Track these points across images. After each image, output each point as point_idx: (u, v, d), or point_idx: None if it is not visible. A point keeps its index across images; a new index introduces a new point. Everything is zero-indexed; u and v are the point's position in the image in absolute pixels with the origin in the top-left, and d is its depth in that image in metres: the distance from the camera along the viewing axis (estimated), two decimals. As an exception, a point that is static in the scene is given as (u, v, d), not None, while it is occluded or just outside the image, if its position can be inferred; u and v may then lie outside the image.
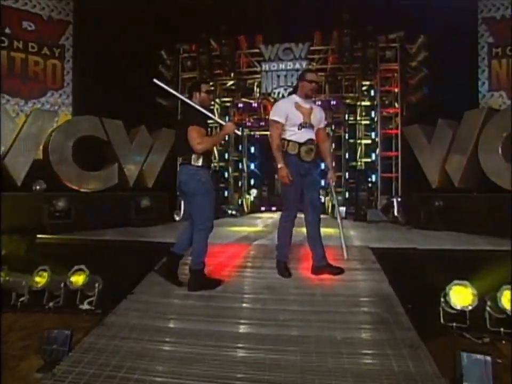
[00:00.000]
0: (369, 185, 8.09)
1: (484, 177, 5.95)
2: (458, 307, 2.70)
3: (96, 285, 3.31)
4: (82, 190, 6.60)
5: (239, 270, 3.58)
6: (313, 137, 3.39)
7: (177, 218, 7.90)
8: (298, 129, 3.30)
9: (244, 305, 2.91)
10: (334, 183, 3.61)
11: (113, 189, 6.94)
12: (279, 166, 3.26)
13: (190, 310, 2.82)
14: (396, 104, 8.50)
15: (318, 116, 3.46)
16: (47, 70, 9.70)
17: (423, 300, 2.93)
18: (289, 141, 3.36)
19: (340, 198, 9.13)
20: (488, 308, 2.72)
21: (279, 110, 3.39)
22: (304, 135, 3.32)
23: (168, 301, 2.97)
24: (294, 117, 3.30)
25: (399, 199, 7.66)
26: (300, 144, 3.31)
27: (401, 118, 8.14)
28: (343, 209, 8.27)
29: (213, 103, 9.48)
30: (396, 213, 7.55)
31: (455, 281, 2.77)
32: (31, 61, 9.42)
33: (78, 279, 3.25)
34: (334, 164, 3.65)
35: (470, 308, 2.68)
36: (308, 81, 3.31)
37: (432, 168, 6.97)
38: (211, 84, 3.57)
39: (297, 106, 3.35)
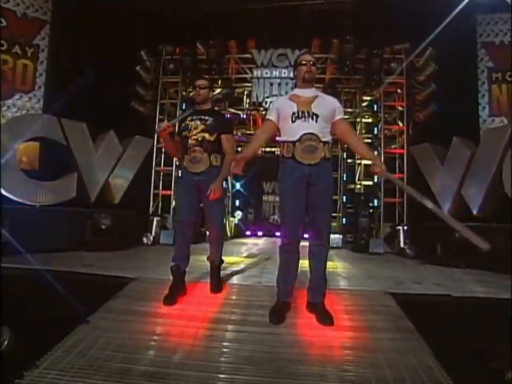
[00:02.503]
0: (371, 210, 7.08)
1: (508, 204, 5.04)
2: None
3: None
4: (29, 203, 5.38)
5: (209, 327, 2.42)
6: (318, 130, 2.39)
7: (146, 242, 6.70)
8: (292, 121, 2.40)
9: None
10: (385, 171, 2.59)
11: (68, 203, 5.74)
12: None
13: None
14: (400, 122, 7.66)
15: (326, 104, 2.49)
16: (16, 70, 8.68)
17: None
18: (283, 142, 2.47)
19: (334, 224, 8.11)
20: None
21: (271, 106, 2.63)
22: (299, 129, 2.39)
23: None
24: (285, 108, 2.47)
25: (405, 228, 6.65)
26: (294, 142, 2.38)
27: (407, 136, 7.27)
28: (339, 237, 7.23)
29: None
30: (402, 244, 6.53)
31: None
32: (-1, 59, 8.44)
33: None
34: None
35: None
36: (302, 64, 2.48)
37: (446, 193, 6.05)
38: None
39: (292, 96, 2.50)
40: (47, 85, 8.65)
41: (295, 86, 2.65)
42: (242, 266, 4.49)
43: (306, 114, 2.41)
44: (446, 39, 7.47)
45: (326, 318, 2.45)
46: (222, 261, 3.31)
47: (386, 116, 7.68)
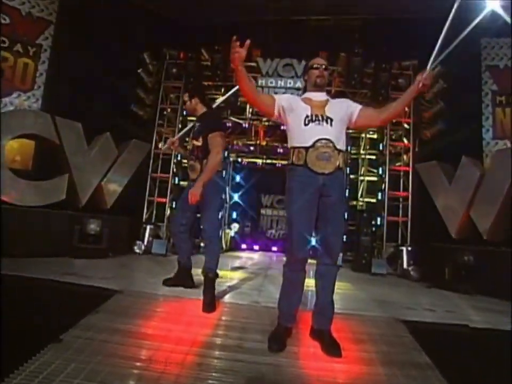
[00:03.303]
0: (373, 229, 6.80)
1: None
2: None
3: None
4: (16, 203, 5.06)
5: (199, 352, 2.10)
6: (334, 136, 2.15)
7: (137, 251, 6.36)
8: (305, 124, 2.15)
9: None
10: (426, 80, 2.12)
11: (57, 206, 5.42)
12: None
13: None
14: (405, 139, 7.46)
15: (340, 106, 2.26)
16: (16, 69, 8.50)
17: None
18: (294, 148, 2.21)
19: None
20: None
21: (283, 95, 2.39)
22: (313, 133, 2.14)
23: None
24: (299, 108, 2.24)
25: (409, 248, 6.36)
26: (307, 148, 2.13)
27: (413, 154, 7.05)
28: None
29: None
30: (405, 265, 6.23)
31: None
32: (-2, 55, 8.27)
33: None
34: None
35: None
36: (314, 68, 2.29)
37: (453, 214, 5.79)
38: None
39: (305, 99, 2.26)
40: (47, 85, 8.46)
41: (304, 91, 2.39)
42: (237, 282, 4.16)
43: (320, 118, 2.17)
44: (452, 61, 7.41)
45: (333, 348, 2.15)
46: (217, 275, 3.09)
47: (391, 132, 7.47)
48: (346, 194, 7.82)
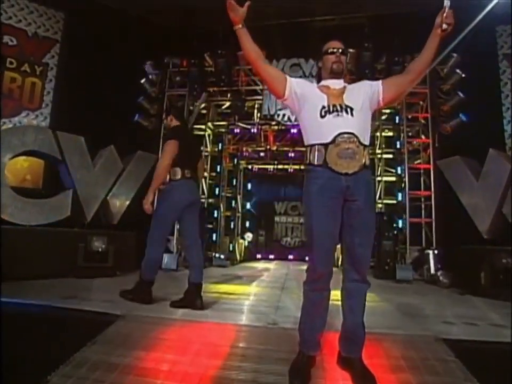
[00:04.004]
0: (395, 232, 6.37)
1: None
2: None
3: None
4: (18, 222, 4.85)
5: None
6: (357, 128, 1.83)
7: (147, 266, 6.05)
8: (321, 116, 1.85)
9: None
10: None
11: (61, 224, 5.20)
12: None
13: None
14: (423, 135, 7.04)
15: (359, 90, 1.95)
16: (24, 88, 8.56)
17: None
18: (310, 145, 1.87)
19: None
20: None
21: (294, 78, 2.03)
22: (332, 127, 1.81)
23: None
24: (313, 96, 1.92)
25: (436, 252, 5.91)
26: (327, 145, 1.79)
27: (433, 150, 6.63)
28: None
29: (203, 127, 8.03)
30: (432, 270, 5.77)
31: None
32: (8, 77, 8.30)
33: None
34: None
35: None
36: (330, 53, 1.96)
37: (483, 213, 5.33)
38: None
39: (321, 87, 1.98)
40: (54, 102, 8.47)
41: (319, 80, 2.06)
42: (252, 298, 3.83)
43: (338, 108, 1.85)
44: (467, 51, 7.02)
45: (366, 380, 1.79)
46: (150, 283, 3.25)
47: (408, 129, 7.06)
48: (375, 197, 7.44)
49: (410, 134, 7.22)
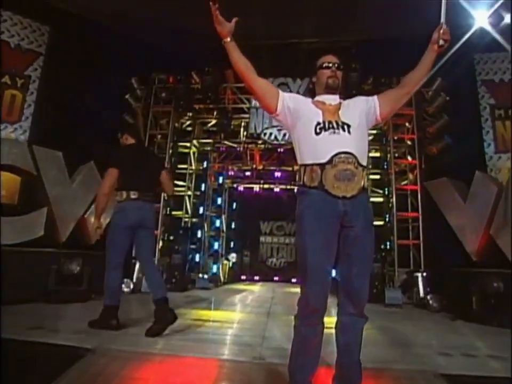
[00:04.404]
0: (383, 254, 6.25)
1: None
2: None
3: None
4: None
5: None
6: (355, 147, 1.69)
7: (125, 290, 5.74)
8: (316, 133, 1.71)
9: None
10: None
11: (34, 243, 4.87)
12: None
13: None
14: (409, 156, 7.05)
15: (355, 106, 1.84)
16: (3, 101, 8.30)
17: None
18: (305, 165, 1.72)
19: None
20: None
21: (288, 93, 1.91)
22: (329, 145, 1.67)
23: None
24: (307, 111, 1.79)
25: (424, 274, 5.80)
26: (323, 165, 1.64)
27: (420, 171, 6.62)
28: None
29: (188, 144, 7.87)
30: (422, 293, 5.64)
31: None
32: (-15, 88, 8.05)
33: None
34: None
35: None
36: (325, 67, 1.85)
37: (472, 234, 5.28)
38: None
39: (316, 102, 1.84)
40: (35, 116, 8.19)
41: (312, 96, 1.91)
42: (236, 326, 3.57)
43: (334, 125, 1.71)
44: (449, 76, 7.20)
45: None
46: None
47: (394, 149, 7.07)
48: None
49: (396, 155, 7.22)
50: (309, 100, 1.89)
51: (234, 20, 1.74)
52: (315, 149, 1.70)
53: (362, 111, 1.80)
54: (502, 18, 7.21)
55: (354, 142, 1.69)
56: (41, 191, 5.23)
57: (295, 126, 1.80)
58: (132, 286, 5.81)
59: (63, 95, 7.44)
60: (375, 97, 1.87)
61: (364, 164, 1.71)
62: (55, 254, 4.68)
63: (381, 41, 7.22)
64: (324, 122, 1.72)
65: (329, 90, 1.83)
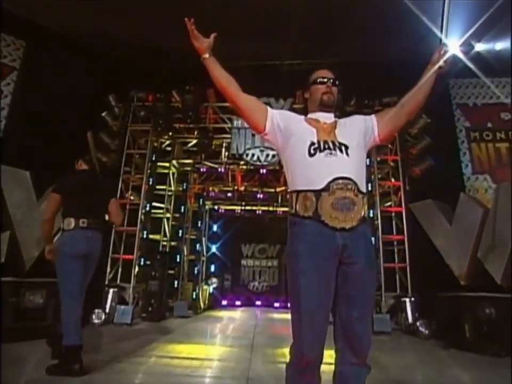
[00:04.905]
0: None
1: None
2: None
3: None
4: None
5: None
6: (354, 171, 1.50)
7: (96, 321, 5.30)
8: (310, 154, 1.51)
9: None
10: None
11: (-8, 272, 4.40)
12: None
13: None
14: (393, 178, 7.00)
15: (352, 125, 1.66)
16: None
17: None
18: (297, 192, 1.49)
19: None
20: None
21: (277, 110, 1.71)
22: (326, 169, 1.48)
23: None
24: (299, 130, 1.60)
25: (412, 299, 5.61)
26: (318, 193, 1.42)
27: (404, 193, 6.55)
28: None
29: (168, 165, 7.59)
30: (410, 319, 5.43)
31: None
32: (-50, 102, 7.66)
33: None
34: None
35: None
36: (319, 82, 1.68)
37: (459, 258, 5.16)
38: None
39: (309, 120, 1.65)
40: (6, 133, 7.80)
41: (305, 113, 1.72)
42: (216, 365, 3.22)
43: (331, 145, 1.52)
44: (427, 100, 7.38)
45: None
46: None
47: (378, 171, 7.01)
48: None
49: (380, 176, 7.17)
50: (301, 117, 1.69)
51: (212, 35, 1.62)
52: (309, 172, 1.49)
53: (361, 130, 1.62)
54: (473, 47, 7.54)
55: (353, 165, 1.50)
56: (4, 213, 4.80)
57: (286, 147, 1.59)
58: (103, 317, 5.35)
59: (36, 112, 7.15)
60: (373, 116, 1.70)
61: (364, 190, 1.50)
62: (15, 284, 4.23)
63: (361, 64, 7.32)
64: (318, 142, 1.53)
65: (324, 107, 1.65)
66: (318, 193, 1.43)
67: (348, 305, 1.42)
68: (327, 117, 1.64)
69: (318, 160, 1.49)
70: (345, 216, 1.42)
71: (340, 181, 1.43)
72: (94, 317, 5.29)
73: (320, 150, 1.50)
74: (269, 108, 1.65)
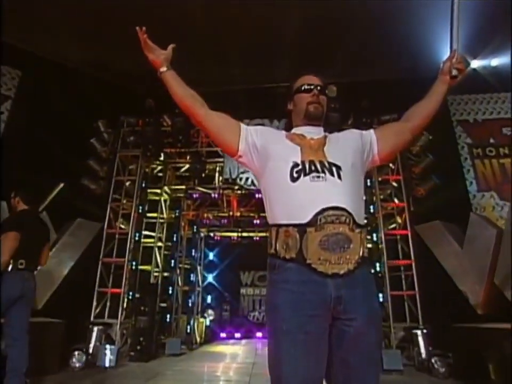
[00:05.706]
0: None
1: None
2: None
3: None
4: None
5: None
6: (349, 199, 1.15)
7: (76, 365, 4.80)
8: (292, 179, 1.20)
9: None
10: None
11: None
12: None
13: None
14: (396, 199, 6.65)
15: (346, 141, 1.34)
16: None
17: None
18: (276, 226, 1.22)
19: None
20: None
21: (255, 128, 1.40)
22: (314, 196, 1.17)
23: None
24: (280, 148, 1.30)
25: (424, 331, 5.12)
26: (303, 228, 1.12)
27: (410, 214, 6.18)
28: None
29: (159, 191, 7.27)
30: (424, 355, 4.92)
31: None
32: None
33: None
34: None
35: None
36: (304, 90, 1.37)
37: (473, 284, 4.74)
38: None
39: (293, 136, 1.36)
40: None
41: (289, 129, 1.42)
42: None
43: (318, 166, 1.19)
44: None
45: None
46: None
47: (380, 192, 6.68)
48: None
49: (382, 197, 6.82)
50: (283, 132, 1.38)
51: (170, 46, 1.43)
52: (291, 202, 1.17)
53: (357, 147, 1.31)
54: (469, 64, 7.46)
55: (347, 191, 1.17)
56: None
57: (263, 170, 1.28)
58: (84, 359, 4.85)
59: (28, 140, 6.99)
60: (371, 131, 1.39)
61: (362, 222, 1.17)
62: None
63: (356, 84, 7.20)
64: (303, 162, 1.21)
65: (310, 120, 1.35)
66: (302, 228, 1.11)
67: (345, 374, 1.07)
68: (314, 132, 1.33)
69: (302, 186, 1.17)
70: (338, 258, 1.09)
71: (331, 212, 1.11)
72: (74, 359, 4.80)
73: (305, 173, 1.19)
74: (242, 125, 1.34)
